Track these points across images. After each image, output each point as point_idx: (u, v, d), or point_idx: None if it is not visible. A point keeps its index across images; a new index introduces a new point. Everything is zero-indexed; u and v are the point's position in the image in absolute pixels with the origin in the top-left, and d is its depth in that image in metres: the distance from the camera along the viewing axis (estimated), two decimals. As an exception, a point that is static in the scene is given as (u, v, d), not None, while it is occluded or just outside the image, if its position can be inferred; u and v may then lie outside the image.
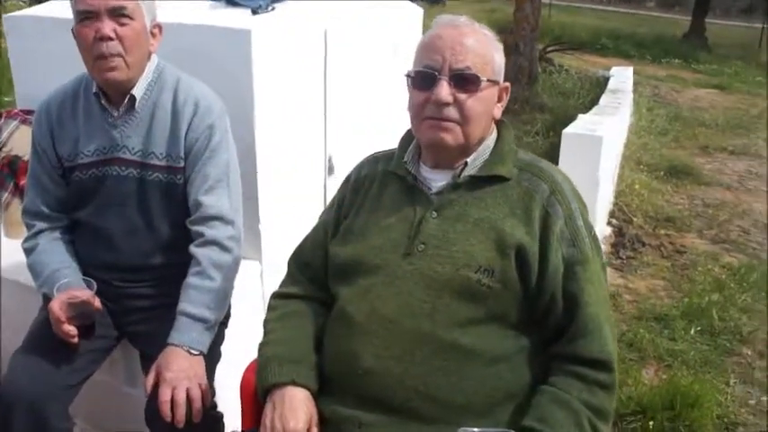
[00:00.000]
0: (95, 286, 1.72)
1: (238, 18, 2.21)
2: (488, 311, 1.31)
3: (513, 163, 1.42)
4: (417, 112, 1.40)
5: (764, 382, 3.09)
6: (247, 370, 1.55)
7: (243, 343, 1.82)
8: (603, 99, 5.57)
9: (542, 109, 7.10)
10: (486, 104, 1.40)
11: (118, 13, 1.67)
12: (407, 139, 1.53)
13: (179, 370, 1.60)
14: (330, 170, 2.76)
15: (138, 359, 1.92)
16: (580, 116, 4.38)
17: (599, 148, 3.78)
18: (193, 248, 1.75)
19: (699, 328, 3.41)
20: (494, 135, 1.47)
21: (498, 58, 1.42)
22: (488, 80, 1.37)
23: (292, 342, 1.44)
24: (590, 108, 5.41)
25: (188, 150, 1.79)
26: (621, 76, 7.25)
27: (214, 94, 1.85)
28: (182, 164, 1.79)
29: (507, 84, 1.46)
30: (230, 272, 1.77)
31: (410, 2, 3.45)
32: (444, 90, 1.34)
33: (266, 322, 1.51)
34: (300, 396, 1.36)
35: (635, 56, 13.62)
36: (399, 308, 1.33)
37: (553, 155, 4.39)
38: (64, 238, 1.88)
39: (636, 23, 18.50)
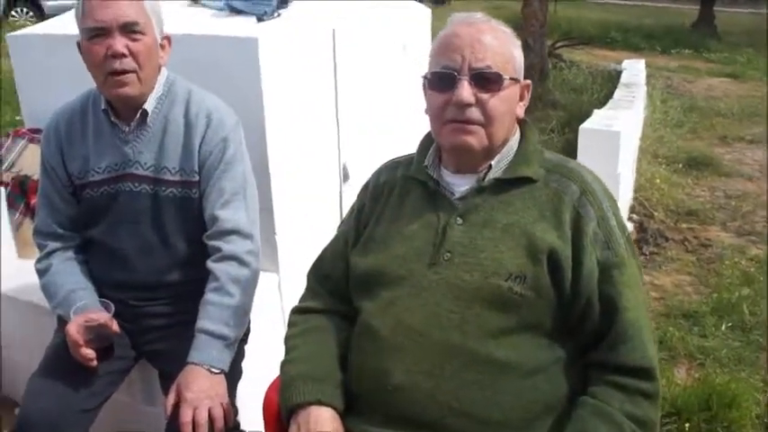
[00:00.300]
0: (113, 308, 1.68)
1: (244, 26, 2.17)
2: (521, 321, 1.24)
3: (539, 164, 1.36)
4: (438, 114, 1.34)
5: (800, 378, 2.99)
6: (270, 388, 1.49)
7: (264, 359, 1.77)
8: (617, 93, 5.47)
9: (555, 106, 7.00)
10: (509, 104, 1.34)
11: (130, 29, 1.62)
12: (426, 142, 1.47)
13: (200, 390, 1.55)
14: (345, 177, 2.71)
15: (156, 378, 1.88)
16: (596, 111, 4.30)
17: (617, 144, 3.69)
18: (211, 264, 1.71)
19: (729, 324, 3.31)
20: (517, 135, 1.41)
21: (518, 54, 1.36)
22: (510, 78, 1.31)
23: (316, 359, 1.38)
24: (604, 103, 5.31)
25: (202, 164, 1.74)
26: (634, 69, 7.15)
27: (227, 107, 1.81)
28: (196, 178, 1.75)
29: (528, 81, 1.40)
30: (249, 287, 1.73)
31: (416, 1, 3.40)
32: (466, 91, 1.28)
33: (287, 339, 1.45)
34: (326, 416, 1.30)
35: (645, 48, 13.45)
36: (427, 320, 1.26)
37: (569, 151, 4.31)
38: (77, 257, 1.84)
39: (643, 15, 18.32)
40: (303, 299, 1.54)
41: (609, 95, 5.68)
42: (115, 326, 1.66)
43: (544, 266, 1.24)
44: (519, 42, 1.37)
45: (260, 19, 2.15)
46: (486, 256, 1.27)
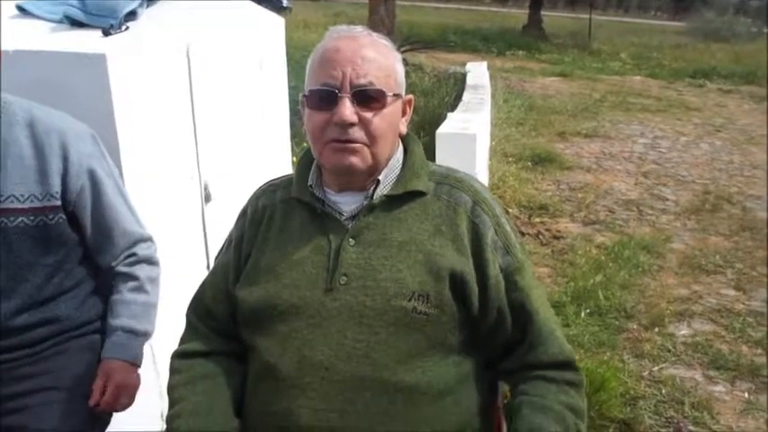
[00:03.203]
0: None
1: (88, 41, 1.96)
2: (428, 340, 1.21)
3: (427, 176, 1.33)
4: (318, 134, 1.26)
5: (653, 354, 3.25)
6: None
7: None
8: (466, 95, 5.67)
9: (406, 110, 7.13)
10: (392, 121, 1.30)
11: None
12: (305, 162, 1.39)
13: (132, 386, 1.65)
14: (207, 198, 2.57)
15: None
16: (449, 115, 4.41)
17: (474, 146, 3.81)
18: (124, 268, 1.72)
19: (588, 311, 3.53)
20: (401, 149, 1.38)
21: (399, 68, 1.32)
22: (393, 94, 1.27)
23: (208, 411, 1.25)
24: (454, 105, 5.49)
25: (71, 186, 1.59)
26: (477, 72, 7.47)
27: (77, 121, 1.66)
28: (56, 202, 1.58)
29: (410, 96, 1.37)
30: (158, 285, 1.80)
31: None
32: (348, 109, 1.22)
33: (172, 388, 1.31)
34: None
35: (482, 50, 14.17)
36: (331, 352, 1.19)
37: (426, 156, 4.39)
38: None
39: (478, 19, 19.30)
40: (184, 340, 1.40)
41: (458, 98, 5.87)
42: None
43: (446, 282, 1.22)
44: (399, 56, 1.34)
45: (106, 33, 1.95)
46: (385, 277, 1.22)
